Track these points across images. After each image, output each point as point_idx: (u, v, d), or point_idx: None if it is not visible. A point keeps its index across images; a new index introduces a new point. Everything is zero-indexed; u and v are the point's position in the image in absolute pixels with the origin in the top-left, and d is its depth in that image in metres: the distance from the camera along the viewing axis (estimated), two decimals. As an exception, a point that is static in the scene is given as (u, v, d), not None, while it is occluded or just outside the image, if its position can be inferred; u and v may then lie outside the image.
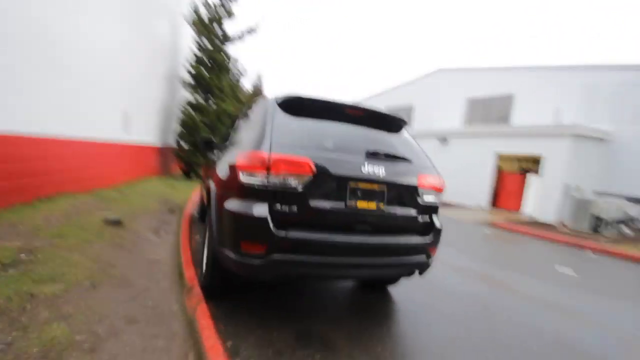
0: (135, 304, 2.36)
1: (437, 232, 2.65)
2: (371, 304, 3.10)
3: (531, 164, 14.70)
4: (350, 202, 2.29)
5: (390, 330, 2.60)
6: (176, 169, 11.24)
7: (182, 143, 10.15)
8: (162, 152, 9.90)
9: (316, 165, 2.18)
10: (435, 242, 2.64)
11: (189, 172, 10.45)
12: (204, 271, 2.79)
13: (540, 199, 12.28)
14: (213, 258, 2.50)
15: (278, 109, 2.46)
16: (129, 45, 7.14)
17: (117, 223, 4.34)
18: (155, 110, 9.18)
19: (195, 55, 10.24)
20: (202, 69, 10.06)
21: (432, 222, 2.66)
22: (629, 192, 11.98)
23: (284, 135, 2.25)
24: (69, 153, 5.27)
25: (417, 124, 21.54)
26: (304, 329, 2.44)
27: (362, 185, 2.33)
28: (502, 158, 14.89)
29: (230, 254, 2.19)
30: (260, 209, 2.11)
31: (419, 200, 2.56)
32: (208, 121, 10.07)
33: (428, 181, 2.59)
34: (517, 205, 13.61)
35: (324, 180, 2.23)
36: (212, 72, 10.17)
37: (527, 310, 3.43)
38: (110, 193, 6.22)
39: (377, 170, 2.36)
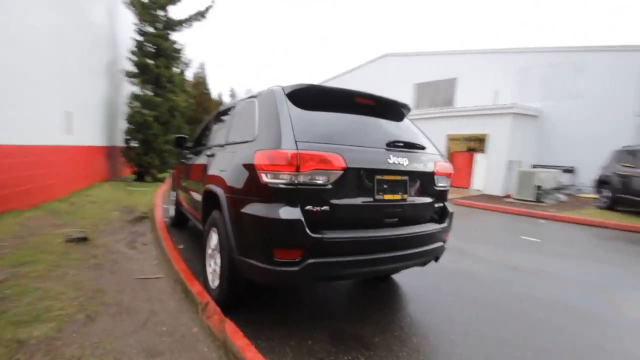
0: (148, 332, 2.07)
1: (451, 217, 2.71)
2: (383, 293, 3.10)
3: (477, 143, 15.91)
4: (378, 196, 2.22)
5: (414, 318, 2.62)
6: (127, 171, 10.21)
7: (132, 142, 9.20)
8: (110, 153, 8.89)
9: (346, 161, 2.06)
10: (449, 227, 2.70)
11: (142, 174, 9.55)
12: (213, 283, 2.54)
13: (487, 175, 13.40)
14: (230, 268, 2.28)
15: (287, 101, 2.27)
16: (63, 36, 6.18)
17: (82, 240, 3.81)
18: (98, 107, 8.16)
19: (136, 41, 9.20)
20: (146, 58, 9.09)
21: (445, 208, 2.71)
22: (556, 163, 13.63)
23: (302, 130, 2.07)
24: (5, 164, 4.46)
25: (369, 109, 22.05)
26: (334, 330, 2.36)
27: (387, 177, 2.26)
28: (451, 139, 15.90)
29: (259, 263, 2.00)
30: (293, 212, 1.95)
31: (435, 187, 2.58)
32: (159, 116, 9.22)
33: (442, 168, 2.62)
34: (467, 183, 14.71)
35: (353, 176, 2.12)
36: (157, 60, 9.24)
37: (514, 278, 3.70)
38: (60, 205, 5.45)
39: (401, 160, 2.31)
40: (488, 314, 2.79)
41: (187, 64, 11.65)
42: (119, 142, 9.44)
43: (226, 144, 2.78)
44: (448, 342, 2.29)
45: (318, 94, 2.36)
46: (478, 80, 17.17)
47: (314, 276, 2.02)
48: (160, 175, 9.80)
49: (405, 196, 2.35)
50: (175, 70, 10.19)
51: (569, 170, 13.28)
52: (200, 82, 24.54)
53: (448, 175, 2.70)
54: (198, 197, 3.20)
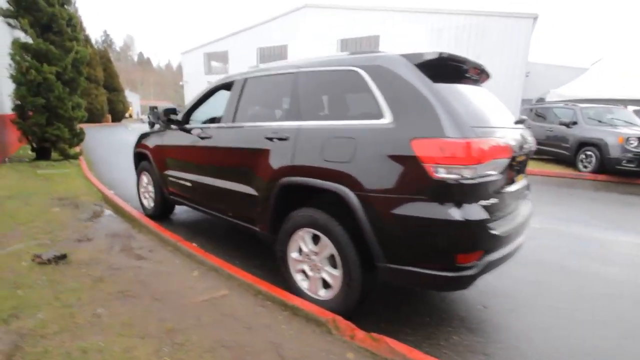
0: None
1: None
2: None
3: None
4: (515, 179, 2.11)
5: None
6: (16, 146, 7.71)
7: (27, 109, 6.83)
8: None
9: (511, 146, 1.85)
10: None
11: (45, 150, 7.33)
12: (331, 292, 2.13)
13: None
14: (363, 278, 1.94)
15: (422, 74, 1.87)
16: None
17: (60, 258, 2.78)
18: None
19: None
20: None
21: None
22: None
23: (457, 111, 1.74)
24: None
25: (293, 65, 21.04)
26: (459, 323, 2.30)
27: (519, 159, 2.14)
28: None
29: (433, 271, 1.72)
30: (477, 211, 1.70)
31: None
32: (62, 73, 6.97)
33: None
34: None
35: (510, 162, 1.94)
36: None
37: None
38: (-32, 209, 3.82)
39: (529, 139, 2.20)
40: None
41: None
42: (6, 109, 6.90)
43: (317, 127, 2.16)
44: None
45: (443, 64, 1.99)
46: (399, 38, 17.83)
47: (483, 274, 1.86)
48: (72, 151, 7.71)
49: (522, 177, 2.30)
50: (69, 9, 7.65)
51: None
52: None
53: None
54: (249, 190, 2.57)
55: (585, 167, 7.80)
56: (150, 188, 4.09)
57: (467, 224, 1.66)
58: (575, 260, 3.29)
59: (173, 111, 3.44)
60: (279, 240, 2.38)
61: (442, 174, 1.66)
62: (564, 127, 8.31)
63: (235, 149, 2.69)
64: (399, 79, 1.88)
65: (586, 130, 7.82)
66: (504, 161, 1.83)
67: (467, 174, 1.65)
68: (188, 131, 3.29)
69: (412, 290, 2.62)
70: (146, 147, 3.97)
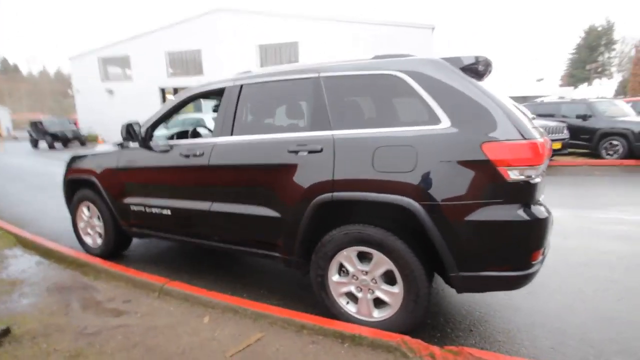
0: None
1: None
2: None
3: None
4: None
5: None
6: None
7: None
8: None
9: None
10: None
11: None
12: (388, 311, 1.96)
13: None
14: (430, 291, 1.83)
15: (468, 77, 1.87)
16: None
17: (3, 335, 2.03)
18: None
19: None
20: None
21: None
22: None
23: (513, 112, 1.79)
24: None
25: (210, 72, 19.80)
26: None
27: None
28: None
29: (512, 272, 1.72)
30: (543, 208, 1.78)
31: None
32: None
33: None
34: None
35: None
36: None
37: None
38: None
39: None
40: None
41: None
42: None
43: (359, 135, 1.94)
44: None
45: (475, 66, 2.02)
46: (318, 45, 18.34)
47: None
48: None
49: None
50: None
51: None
52: None
53: None
54: (268, 212, 2.22)
55: (609, 155, 8.44)
56: (97, 222, 3.28)
57: (540, 222, 1.71)
58: None
59: (136, 126, 2.80)
60: (314, 265, 2.11)
61: (514, 175, 1.67)
62: (580, 120, 8.99)
63: (244, 166, 2.30)
64: (450, 83, 1.83)
65: (606, 122, 8.60)
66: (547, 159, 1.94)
67: (533, 174, 1.70)
68: (163, 150, 2.72)
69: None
70: (90, 172, 3.17)
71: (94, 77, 22.30)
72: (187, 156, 2.55)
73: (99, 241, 3.31)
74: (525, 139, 1.67)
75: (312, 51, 18.39)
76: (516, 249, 1.73)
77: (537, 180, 1.72)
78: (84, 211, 3.36)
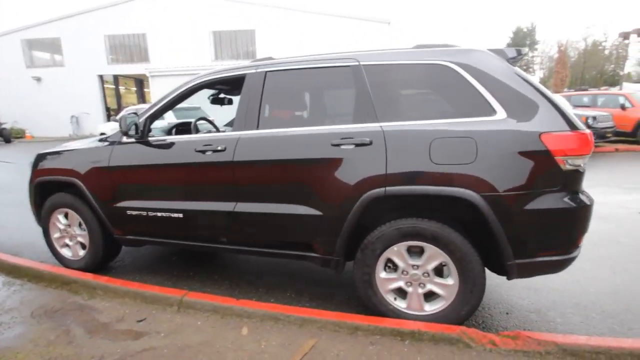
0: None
1: None
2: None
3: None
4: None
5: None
6: None
7: None
8: None
9: None
10: None
11: None
12: (441, 304, 1.95)
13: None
14: (478, 283, 1.86)
15: (517, 69, 1.92)
16: None
17: None
18: None
19: None
20: None
21: None
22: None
23: (562, 104, 1.88)
24: None
25: (157, 59, 18.29)
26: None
27: None
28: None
29: (561, 256, 1.81)
30: (587, 194, 1.88)
31: None
32: None
33: None
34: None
35: None
36: None
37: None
38: None
39: None
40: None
41: None
42: None
43: (413, 127, 1.87)
44: None
45: (515, 59, 2.07)
46: (277, 34, 17.82)
47: None
48: None
49: None
50: None
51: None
52: None
53: None
54: (307, 211, 2.07)
55: None
56: (78, 230, 2.84)
57: (588, 207, 1.81)
58: None
59: (134, 117, 2.43)
60: (360, 263, 2.03)
61: (569, 164, 1.74)
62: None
63: (278, 161, 2.11)
64: (501, 74, 1.85)
65: None
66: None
67: (581, 163, 1.79)
68: (169, 145, 2.40)
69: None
70: (69, 172, 2.70)
71: (17, 62, 19.35)
72: (203, 152, 2.29)
73: (82, 253, 2.87)
74: (577, 129, 1.75)
75: (270, 40, 17.85)
76: (566, 233, 1.82)
77: (584, 168, 1.81)
78: (60, 219, 2.88)
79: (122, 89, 21.59)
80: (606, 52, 42.75)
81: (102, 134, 11.83)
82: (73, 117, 18.73)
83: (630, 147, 9.40)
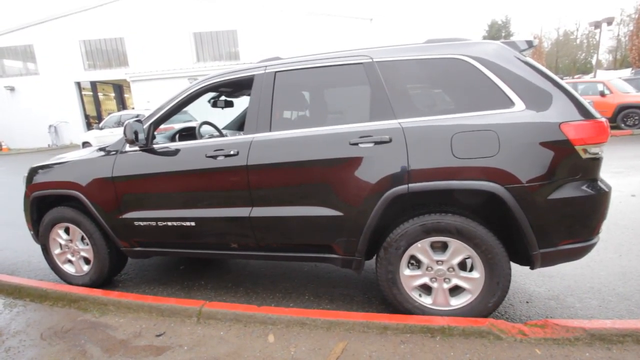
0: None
1: None
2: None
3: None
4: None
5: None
6: None
7: None
8: None
9: None
10: None
11: None
12: (467, 298, 1.96)
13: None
14: (504, 275, 1.88)
15: (530, 60, 1.93)
16: None
17: None
18: None
19: None
20: None
21: None
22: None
23: (570, 93, 1.90)
24: None
25: (136, 63, 17.81)
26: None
27: None
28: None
29: (583, 243, 1.85)
30: (605, 181, 1.91)
31: None
32: None
33: None
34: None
35: None
36: None
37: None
38: None
39: None
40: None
41: None
42: None
43: (432, 123, 1.87)
44: None
45: (525, 50, 2.09)
46: (259, 34, 17.63)
47: None
48: None
49: None
50: None
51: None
52: None
53: None
54: (327, 212, 2.03)
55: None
56: (81, 245, 2.72)
57: (607, 194, 1.84)
58: None
59: (138, 125, 2.33)
60: (383, 261, 2.01)
61: (589, 153, 1.76)
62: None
63: (294, 163, 2.07)
64: (516, 65, 1.86)
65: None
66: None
67: (599, 151, 1.82)
68: (176, 152, 2.32)
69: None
70: (70, 185, 2.58)
71: (-15, 71, 18.51)
72: (214, 157, 2.22)
73: (86, 268, 2.76)
74: (594, 118, 1.78)
75: (252, 41, 17.65)
76: (587, 221, 1.85)
77: (600, 156, 1.85)
78: (61, 234, 2.75)
79: (100, 95, 20.93)
80: (577, 41, 44.29)
81: (85, 142, 11.44)
82: (51, 127, 18.05)
83: (612, 132, 9.79)
